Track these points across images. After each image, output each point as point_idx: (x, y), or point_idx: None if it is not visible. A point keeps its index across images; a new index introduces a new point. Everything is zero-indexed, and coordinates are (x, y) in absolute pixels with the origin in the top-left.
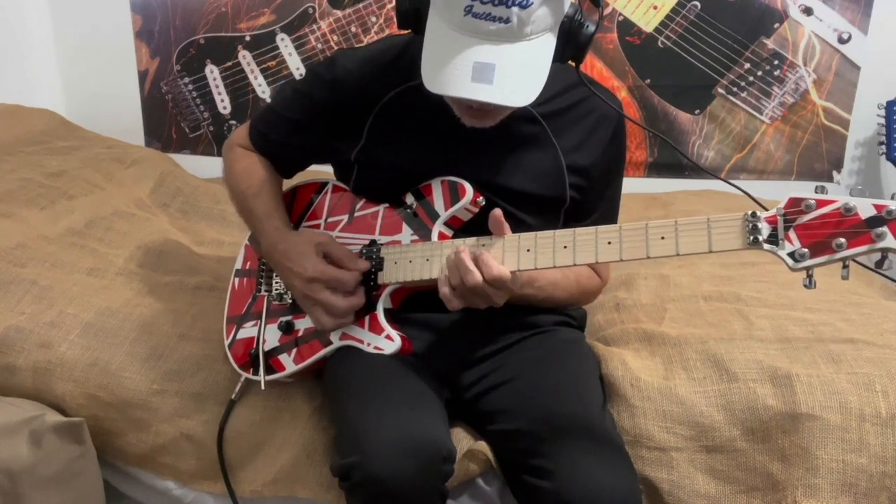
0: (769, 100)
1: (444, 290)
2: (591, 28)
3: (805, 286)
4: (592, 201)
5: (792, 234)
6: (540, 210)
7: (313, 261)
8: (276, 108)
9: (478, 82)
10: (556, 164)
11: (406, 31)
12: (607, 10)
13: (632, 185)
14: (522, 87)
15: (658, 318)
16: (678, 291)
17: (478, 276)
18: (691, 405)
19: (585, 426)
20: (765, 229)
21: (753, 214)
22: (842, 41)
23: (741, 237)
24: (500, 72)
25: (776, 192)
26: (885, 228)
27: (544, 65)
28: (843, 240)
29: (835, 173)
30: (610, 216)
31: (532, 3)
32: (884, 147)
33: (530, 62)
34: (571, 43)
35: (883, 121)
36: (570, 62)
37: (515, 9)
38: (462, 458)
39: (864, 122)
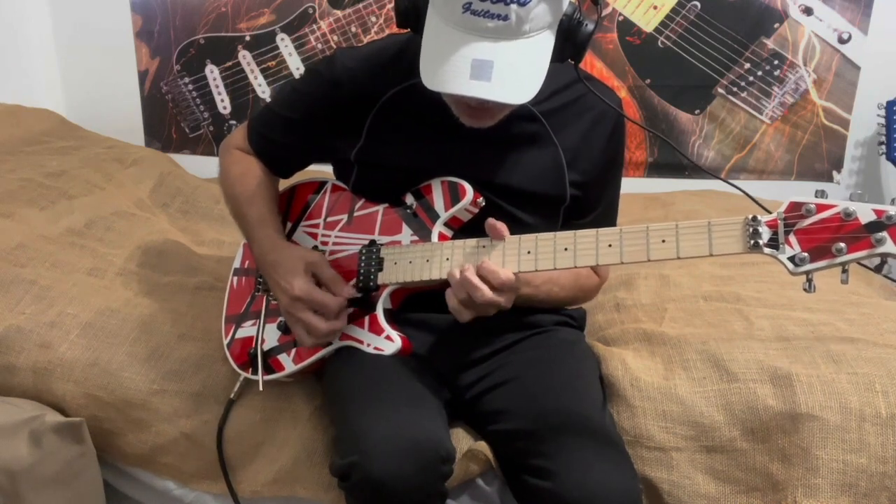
0: (769, 100)
1: (453, 303)
2: (591, 27)
3: (805, 290)
4: (592, 199)
5: (792, 238)
6: (540, 209)
7: (300, 279)
8: (274, 108)
9: (476, 79)
10: (556, 162)
11: (405, 31)
12: (607, 10)
13: (632, 185)
14: (520, 85)
15: (658, 318)
16: (678, 291)
17: (487, 293)
18: (691, 405)
19: (585, 426)
20: (765, 233)
21: (754, 218)
22: (842, 41)
23: (742, 241)
24: (498, 69)
25: (776, 193)
26: (884, 234)
27: (542, 63)
28: (842, 244)
29: (835, 173)
30: (610, 214)
31: (530, 1)
32: (884, 147)
33: (528, 60)
34: (570, 41)
35: (883, 121)
36: (569, 61)
37: (514, 6)
38: (462, 458)
39: (864, 122)
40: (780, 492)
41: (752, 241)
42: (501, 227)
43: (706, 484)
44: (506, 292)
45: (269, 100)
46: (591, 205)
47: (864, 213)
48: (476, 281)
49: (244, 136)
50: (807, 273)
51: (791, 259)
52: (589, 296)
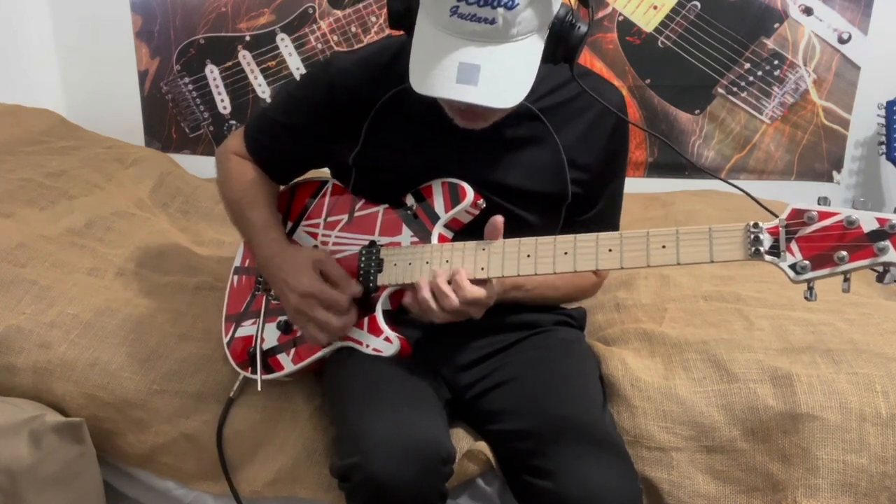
0: (769, 100)
1: (408, 301)
2: (583, 29)
3: (806, 298)
4: (595, 196)
5: (794, 245)
6: (541, 207)
7: (309, 277)
8: (270, 114)
9: (462, 83)
10: (557, 159)
11: (400, 33)
12: (607, 10)
13: (632, 185)
14: (507, 89)
15: (658, 318)
16: (678, 291)
17: (454, 301)
18: (691, 405)
19: (585, 426)
20: (766, 240)
21: (755, 225)
22: (842, 41)
23: (742, 248)
24: (484, 73)
25: (776, 193)
26: (887, 242)
27: (531, 67)
28: (844, 253)
29: (835, 173)
30: (612, 211)
31: (518, 5)
32: (884, 147)
33: (516, 64)
34: (562, 44)
35: (883, 121)
36: (563, 63)
37: (501, 10)
38: (462, 458)
39: (864, 122)
40: (780, 492)
41: (753, 249)
42: (497, 225)
43: (706, 484)
44: (473, 306)
45: (268, 100)
46: (593, 201)
47: (867, 221)
48: (445, 288)
49: (241, 142)
50: (808, 281)
51: (792, 267)
52: (587, 294)
